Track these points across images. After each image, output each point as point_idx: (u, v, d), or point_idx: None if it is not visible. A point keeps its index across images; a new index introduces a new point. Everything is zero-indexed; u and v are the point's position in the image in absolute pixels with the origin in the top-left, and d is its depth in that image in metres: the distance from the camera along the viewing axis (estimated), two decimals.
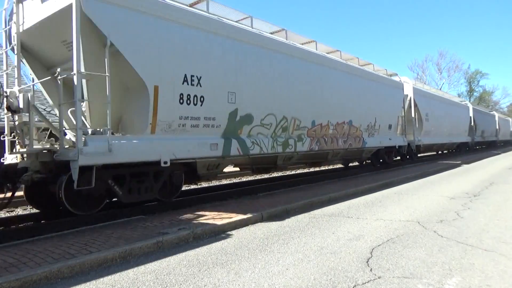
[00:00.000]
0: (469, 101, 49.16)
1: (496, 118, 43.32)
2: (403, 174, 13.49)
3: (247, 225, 6.26)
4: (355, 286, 3.59)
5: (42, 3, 6.69)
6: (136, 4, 6.62)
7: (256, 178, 15.01)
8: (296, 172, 17.03)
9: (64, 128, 6.45)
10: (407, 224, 6.03)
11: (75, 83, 5.97)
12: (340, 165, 19.06)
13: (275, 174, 16.47)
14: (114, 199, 7.35)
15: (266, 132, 9.49)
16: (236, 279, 3.85)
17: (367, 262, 4.27)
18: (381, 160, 16.99)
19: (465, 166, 18.04)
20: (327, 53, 12.82)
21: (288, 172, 16.80)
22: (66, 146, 6.43)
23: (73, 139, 6.66)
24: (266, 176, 15.59)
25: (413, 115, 19.24)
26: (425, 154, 25.84)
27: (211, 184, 12.68)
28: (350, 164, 18.44)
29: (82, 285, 3.80)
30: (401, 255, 4.48)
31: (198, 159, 7.84)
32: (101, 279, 3.95)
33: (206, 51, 7.84)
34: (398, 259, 4.34)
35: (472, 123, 31.89)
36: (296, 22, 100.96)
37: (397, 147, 16.86)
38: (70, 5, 5.98)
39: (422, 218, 6.47)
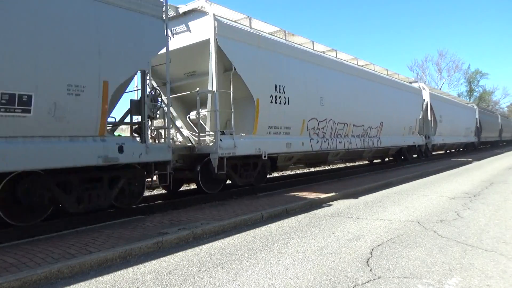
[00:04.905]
0: (469, 101, 49.56)
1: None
2: (403, 174, 13.49)
3: (247, 225, 6.27)
4: (355, 286, 3.59)
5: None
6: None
7: None
8: (296, 172, 17.02)
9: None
10: (407, 224, 6.03)
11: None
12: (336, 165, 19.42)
13: (275, 174, 16.45)
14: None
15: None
16: (236, 279, 3.85)
17: (367, 262, 4.27)
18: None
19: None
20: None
21: (288, 172, 16.79)
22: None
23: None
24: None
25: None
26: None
27: None
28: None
29: (82, 285, 3.80)
30: (401, 255, 4.48)
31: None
32: (101, 279, 3.96)
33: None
34: (398, 259, 4.34)
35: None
36: (294, 22, 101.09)
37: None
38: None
39: (422, 218, 6.47)
